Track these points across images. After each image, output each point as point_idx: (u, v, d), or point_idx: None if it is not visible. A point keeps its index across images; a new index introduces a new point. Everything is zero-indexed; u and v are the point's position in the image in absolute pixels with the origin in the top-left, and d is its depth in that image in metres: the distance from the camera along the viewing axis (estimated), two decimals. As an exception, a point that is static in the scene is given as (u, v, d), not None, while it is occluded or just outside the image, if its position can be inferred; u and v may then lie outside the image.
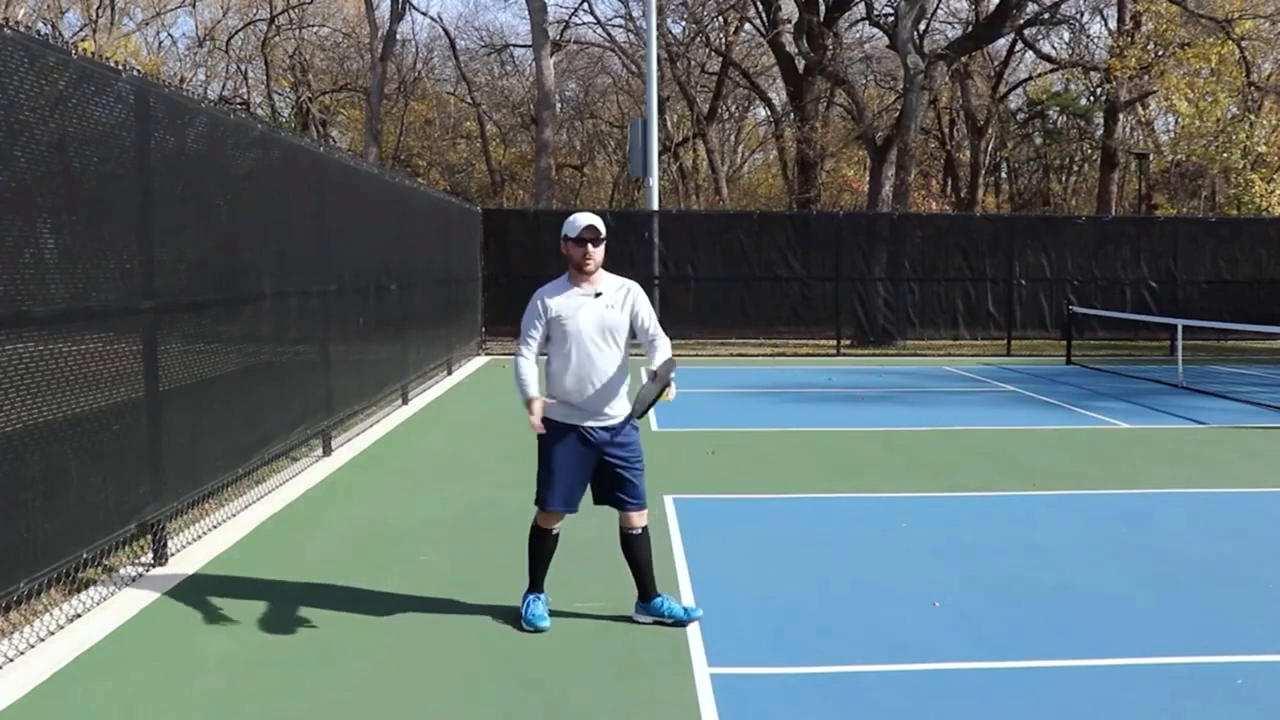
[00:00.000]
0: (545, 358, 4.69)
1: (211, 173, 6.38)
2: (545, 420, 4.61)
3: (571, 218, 4.66)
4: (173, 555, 5.67)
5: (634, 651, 4.44)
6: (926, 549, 5.98)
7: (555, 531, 4.75)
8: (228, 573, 5.51)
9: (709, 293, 18.81)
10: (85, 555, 4.79)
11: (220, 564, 5.66)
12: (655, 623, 4.69)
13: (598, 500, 4.74)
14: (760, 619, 4.82)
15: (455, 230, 15.77)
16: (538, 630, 4.63)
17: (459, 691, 4.04)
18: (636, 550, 4.72)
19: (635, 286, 4.77)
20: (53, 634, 4.52)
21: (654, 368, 4.55)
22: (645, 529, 4.73)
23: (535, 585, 4.79)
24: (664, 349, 4.65)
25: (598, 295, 4.63)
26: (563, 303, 4.61)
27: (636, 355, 4.65)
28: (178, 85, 6.60)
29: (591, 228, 4.57)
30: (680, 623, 4.67)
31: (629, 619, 4.74)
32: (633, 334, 4.71)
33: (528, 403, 4.58)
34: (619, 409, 4.64)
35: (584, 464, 4.63)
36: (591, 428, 4.60)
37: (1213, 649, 4.49)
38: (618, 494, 4.68)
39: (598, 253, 4.58)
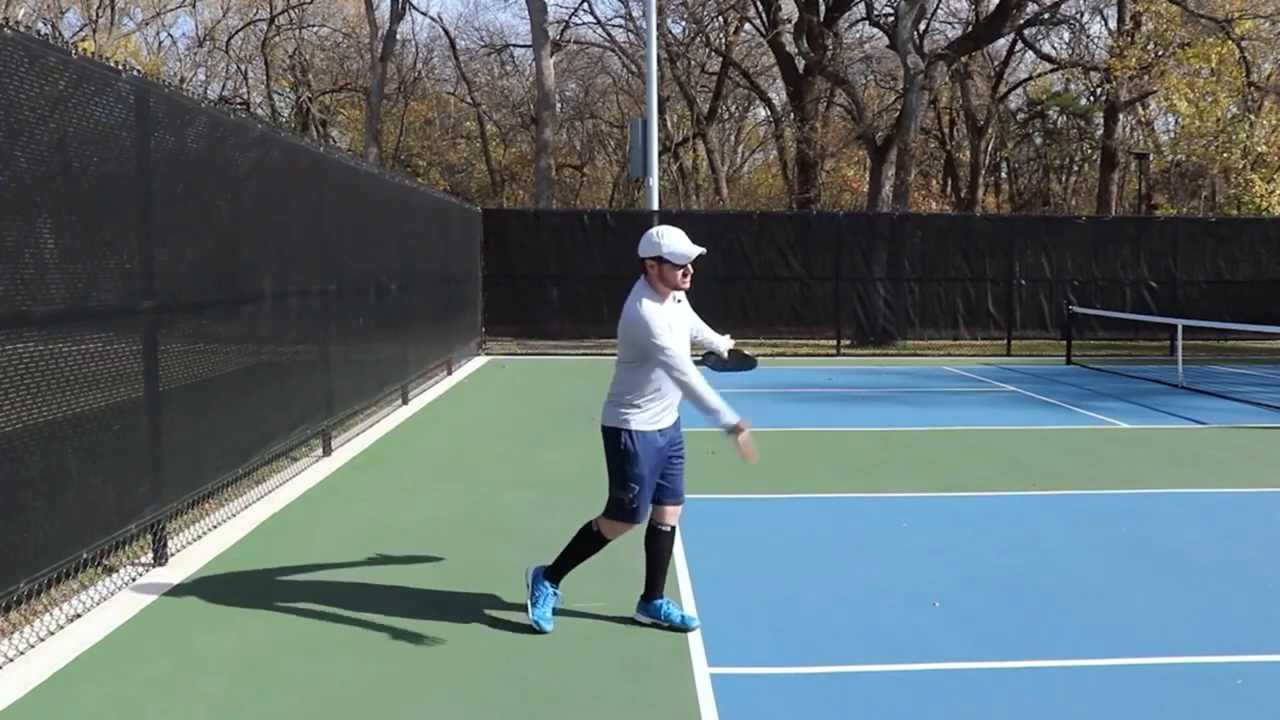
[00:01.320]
0: (626, 366, 4.56)
1: (211, 173, 6.38)
2: (630, 433, 4.51)
3: (670, 242, 4.47)
4: (173, 555, 5.67)
5: (634, 651, 4.44)
6: (926, 549, 5.98)
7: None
8: (228, 573, 5.51)
9: (709, 293, 18.70)
10: (85, 555, 4.79)
11: (220, 564, 5.66)
12: (654, 624, 4.70)
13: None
14: (760, 619, 4.82)
15: (455, 230, 15.77)
16: (541, 631, 4.61)
17: (459, 691, 4.04)
18: (660, 546, 4.72)
19: None
20: (53, 634, 4.52)
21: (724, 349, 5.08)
22: (674, 528, 4.75)
23: (558, 579, 4.74)
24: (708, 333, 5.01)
25: (678, 301, 4.66)
26: (669, 315, 4.54)
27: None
28: (178, 85, 6.60)
29: (697, 258, 4.53)
30: (676, 629, 4.66)
31: (630, 619, 4.75)
32: None
33: (736, 429, 4.35)
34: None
35: (659, 467, 4.62)
36: (664, 428, 4.61)
37: (1213, 649, 4.49)
38: (668, 488, 4.68)
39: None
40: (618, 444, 4.54)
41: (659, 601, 4.74)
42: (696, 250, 4.52)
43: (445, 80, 40.86)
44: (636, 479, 4.53)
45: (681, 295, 4.71)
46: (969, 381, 14.59)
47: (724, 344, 5.09)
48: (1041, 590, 5.27)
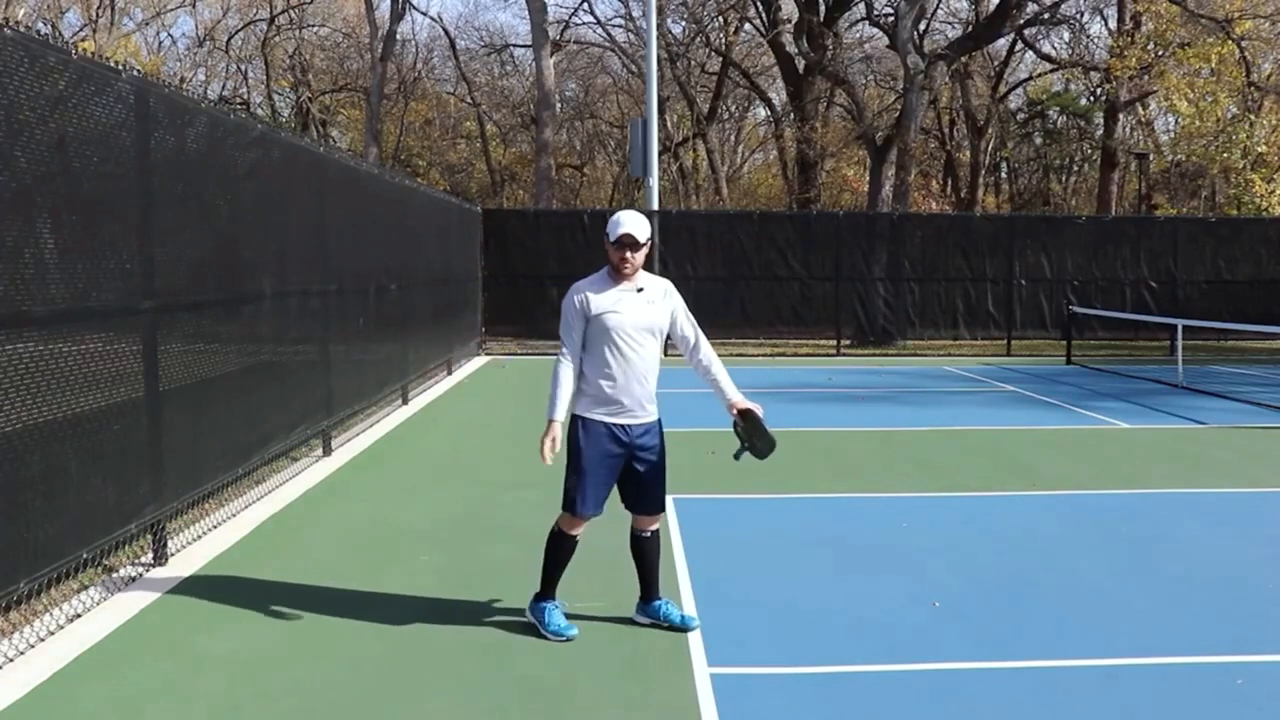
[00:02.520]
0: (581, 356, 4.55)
1: (211, 173, 6.38)
2: (579, 418, 4.50)
3: (615, 218, 4.46)
4: (173, 555, 5.67)
5: (634, 651, 4.44)
6: (926, 549, 5.98)
7: (577, 537, 4.63)
8: (228, 573, 5.51)
9: (709, 293, 18.78)
10: (85, 555, 4.79)
11: (220, 564, 5.66)
12: (654, 624, 4.69)
13: (624, 503, 4.66)
14: (760, 619, 4.82)
15: (455, 230, 15.78)
16: (567, 639, 4.52)
17: (459, 691, 4.04)
18: (644, 551, 4.70)
19: (671, 286, 4.67)
20: (53, 634, 4.52)
21: (742, 406, 4.60)
22: (656, 532, 4.72)
23: (549, 592, 4.65)
24: (721, 370, 4.68)
25: (640, 290, 4.52)
26: (604, 299, 4.45)
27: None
28: (178, 85, 6.60)
29: (629, 235, 4.38)
30: (676, 629, 4.65)
31: (629, 620, 4.74)
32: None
33: (548, 424, 4.42)
34: (653, 408, 4.60)
35: (615, 465, 4.51)
36: (626, 425, 4.50)
37: (1213, 649, 4.49)
38: (638, 497, 4.62)
39: (637, 258, 4.44)
40: (571, 430, 4.54)
41: (658, 602, 4.73)
42: (624, 229, 4.36)
43: (445, 80, 40.88)
44: (577, 469, 4.48)
45: (668, 287, 4.60)
46: (969, 381, 14.59)
47: (732, 392, 4.67)
48: (1041, 590, 5.27)
